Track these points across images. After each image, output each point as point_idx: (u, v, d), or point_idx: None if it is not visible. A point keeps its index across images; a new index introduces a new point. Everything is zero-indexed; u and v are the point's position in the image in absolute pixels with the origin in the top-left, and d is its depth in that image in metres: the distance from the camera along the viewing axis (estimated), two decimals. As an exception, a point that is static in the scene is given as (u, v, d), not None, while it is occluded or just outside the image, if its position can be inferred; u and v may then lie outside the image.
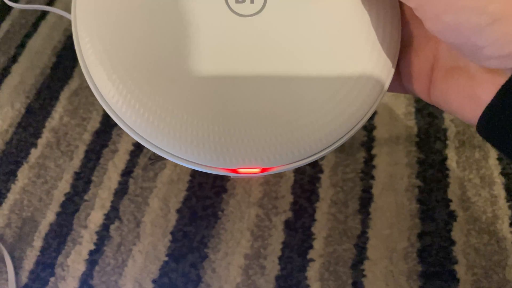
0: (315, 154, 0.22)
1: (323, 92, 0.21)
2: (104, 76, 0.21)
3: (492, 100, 0.18)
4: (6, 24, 0.62)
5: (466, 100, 0.20)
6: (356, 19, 0.21)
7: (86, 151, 0.50)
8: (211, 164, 0.22)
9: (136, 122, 0.21)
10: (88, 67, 0.21)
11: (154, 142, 0.21)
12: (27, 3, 0.63)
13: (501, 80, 0.17)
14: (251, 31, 0.21)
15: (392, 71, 0.22)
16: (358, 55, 0.21)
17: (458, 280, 0.40)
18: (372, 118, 0.51)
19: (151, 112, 0.21)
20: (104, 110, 0.53)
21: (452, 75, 0.21)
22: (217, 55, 0.21)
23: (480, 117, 0.18)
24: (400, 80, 0.24)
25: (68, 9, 0.63)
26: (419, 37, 0.23)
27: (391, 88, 0.24)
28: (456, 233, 0.43)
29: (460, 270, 0.41)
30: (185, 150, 0.21)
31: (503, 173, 0.46)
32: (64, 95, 0.54)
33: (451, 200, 0.44)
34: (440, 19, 0.17)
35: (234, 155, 0.21)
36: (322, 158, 0.48)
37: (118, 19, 0.21)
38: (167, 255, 0.43)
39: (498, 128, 0.18)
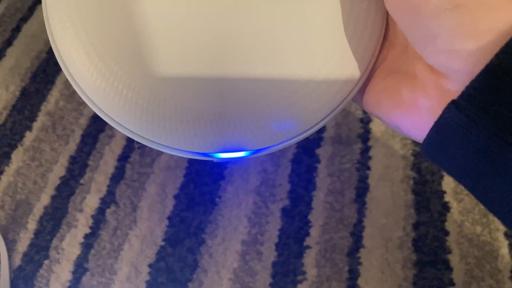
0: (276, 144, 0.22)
1: (288, 87, 0.21)
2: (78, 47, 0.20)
3: (442, 116, 0.16)
4: (1, 7, 0.61)
5: (403, 104, 0.18)
6: (335, 15, 0.21)
7: (82, 136, 0.49)
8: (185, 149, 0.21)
9: (111, 107, 0.20)
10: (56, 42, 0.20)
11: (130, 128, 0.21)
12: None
13: (445, 85, 0.16)
14: (219, 28, 0.21)
15: (366, 73, 0.21)
16: (330, 51, 0.20)
17: (451, 269, 0.41)
18: (368, 110, 0.51)
19: (127, 100, 0.20)
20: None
21: (391, 75, 0.19)
22: (186, 51, 0.20)
23: (427, 134, 0.17)
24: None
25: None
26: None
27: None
28: (450, 224, 0.43)
29: (454, 259, 0.41)
30: (163, 136, 0.20)
31: (495, 167, 0.47)
32: (61, 80, 0.54)
33: (445, 192, 0.45)
34: None
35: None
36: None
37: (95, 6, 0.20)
38: (163, 240, 0.43)
39: (447, 147, 0.16)
